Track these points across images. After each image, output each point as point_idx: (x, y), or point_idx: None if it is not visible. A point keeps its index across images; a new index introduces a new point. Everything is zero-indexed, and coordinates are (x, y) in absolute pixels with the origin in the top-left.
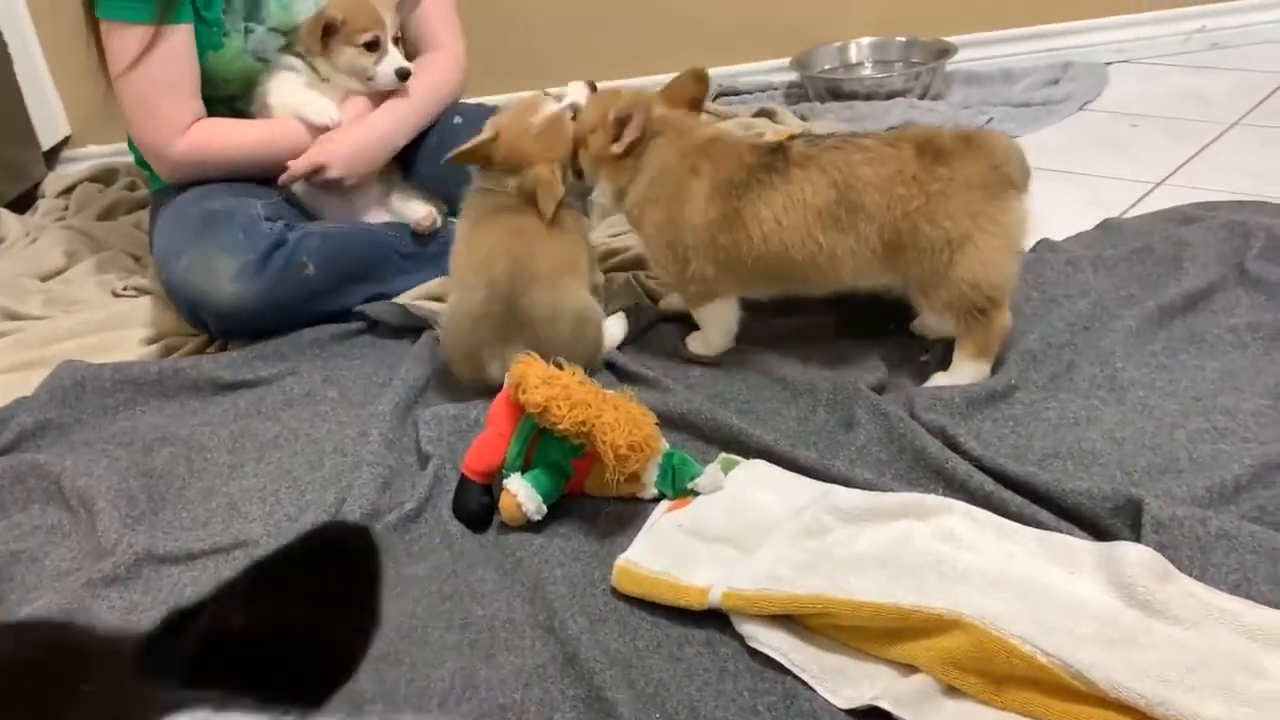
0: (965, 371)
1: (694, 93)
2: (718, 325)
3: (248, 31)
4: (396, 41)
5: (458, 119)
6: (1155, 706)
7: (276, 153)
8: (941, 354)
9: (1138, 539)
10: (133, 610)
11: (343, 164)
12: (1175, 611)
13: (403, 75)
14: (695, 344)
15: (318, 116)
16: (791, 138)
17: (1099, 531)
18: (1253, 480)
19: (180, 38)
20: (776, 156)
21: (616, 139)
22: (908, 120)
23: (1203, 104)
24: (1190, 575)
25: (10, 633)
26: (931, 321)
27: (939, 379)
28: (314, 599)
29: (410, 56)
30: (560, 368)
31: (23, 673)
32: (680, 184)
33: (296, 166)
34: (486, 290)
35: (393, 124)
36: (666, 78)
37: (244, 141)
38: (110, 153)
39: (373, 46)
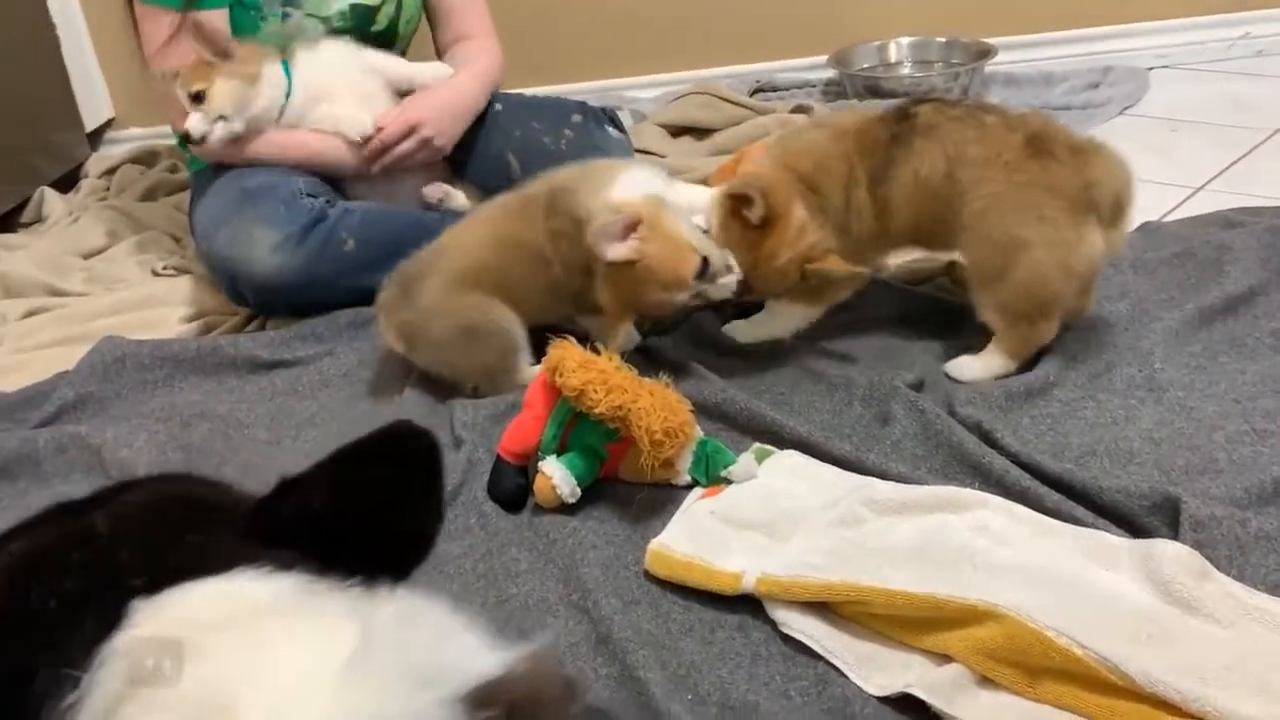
0: (991, 363)
1: None
2: (789, 321)
3: (284, 16)
4: (199, 99)
5: (498, 106)
6: (1191, 703)
7: (290, 159)
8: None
9: (1175, 537)
10: None
11: (435, 123)
12: (1212, 610)
13: (191, 139)
14: (744, 332)
15: (352, 131)
16: (918, 101)
17: (1136, 529)
18: None
19: (210, 22)
20: (905, 125)
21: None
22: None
23: (1245, 110)
24: (1228, 575)
25: (148, 484)
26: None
27: (963, 361)
28: (384, 487)
29: (444, 47)
30: (596, 352)
31: (142, 517)
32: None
33: (393, 129)
34: None
35: (473, 88)
36: (706, 73)
37: (273, 142)
38: (152, 135)
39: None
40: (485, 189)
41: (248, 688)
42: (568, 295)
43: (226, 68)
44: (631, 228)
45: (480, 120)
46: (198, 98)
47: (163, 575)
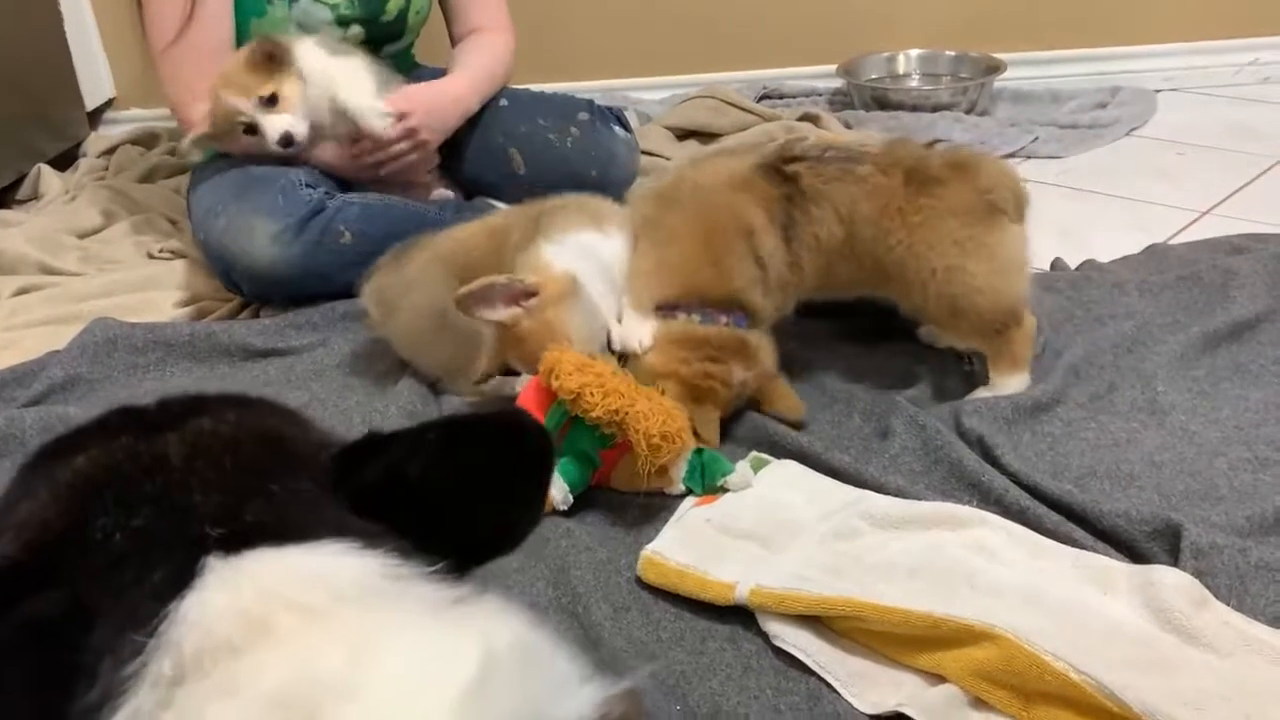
0: (1007, 384)
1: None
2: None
3: (291, 2)
4: (273, 101)
5: (504, 101)
6: None
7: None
8: (982, 363)
9: (1175, 564)
10: None
11: (423, 116)
12: (1211, 639)
13: (287, 141)
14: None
15: (377, 123)
16: (787, 159)
17: (1135, 554)
18: None
19: (215, 4)
20: (791, 187)
21: None
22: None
23: (1252, 136)
24: (1228, 604)
25: (223, 408)
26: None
27: (981, 394)
28: (492, 471)
29: (458, 38)
30: (592, 357)
31: (221, 453)
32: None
33: (393, 102)
34: None
35: (459, 87)
36: (712, 77)
37: None
38: (152, 116)
39: (251, 130)
40: (484, 184)
41: (338, 697)
42: None
43: (284, 66)
44: (522, 296)
45: (480, 114)
46: (271, 100)
47: (241, 530)
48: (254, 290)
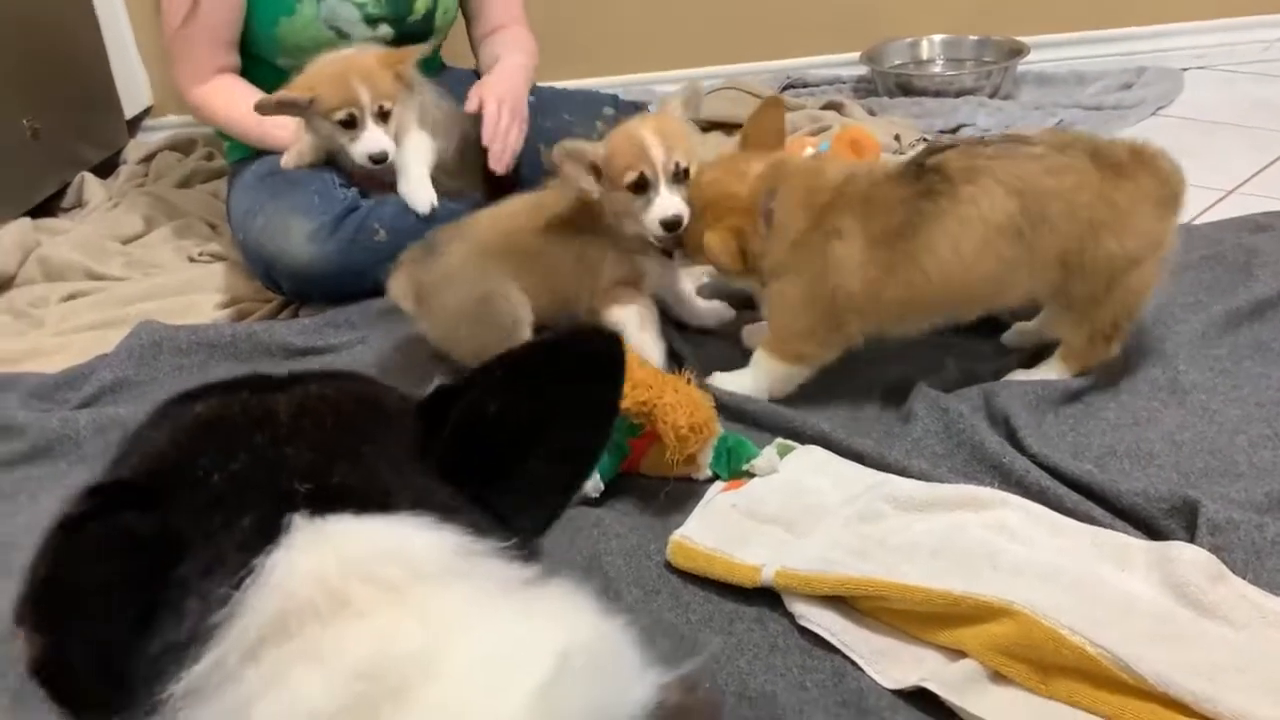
0: (1051, 371)
1: (775, 124)
2: (770, 379)
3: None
4: (385, 117)
5: (532, 98)
6: (1203, 703)
7: (267, 143)
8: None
9: (1192, 540)
10: None
11: (501, 91)
12: (1227, 613)
13: (377, 159)
14: (731, 382)
15: (418, 205)
16: (932, 150)
17: (1153, 531)
18: None
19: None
20: (932, 177)
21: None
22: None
23: (1275, 112)
24: (1244, 579)
25: (335, 378)
26: (1053, 335)
27: (1020, 375)
28: (561, 386)
29: (479, 38)
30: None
31: (322, 412)
32: (821, 253)
33: (495, 110)
34: None
35: (527, 71)
36: (736, 69)
37: (240, 119)
38: (189, 123)
39: (349, 124)
40: (516, 182)
41: (423, 676)
42: (587, 278)
43: (408, 91)
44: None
45: None
46: (384, 115)
47: (328, 488)
48: (293, 288)
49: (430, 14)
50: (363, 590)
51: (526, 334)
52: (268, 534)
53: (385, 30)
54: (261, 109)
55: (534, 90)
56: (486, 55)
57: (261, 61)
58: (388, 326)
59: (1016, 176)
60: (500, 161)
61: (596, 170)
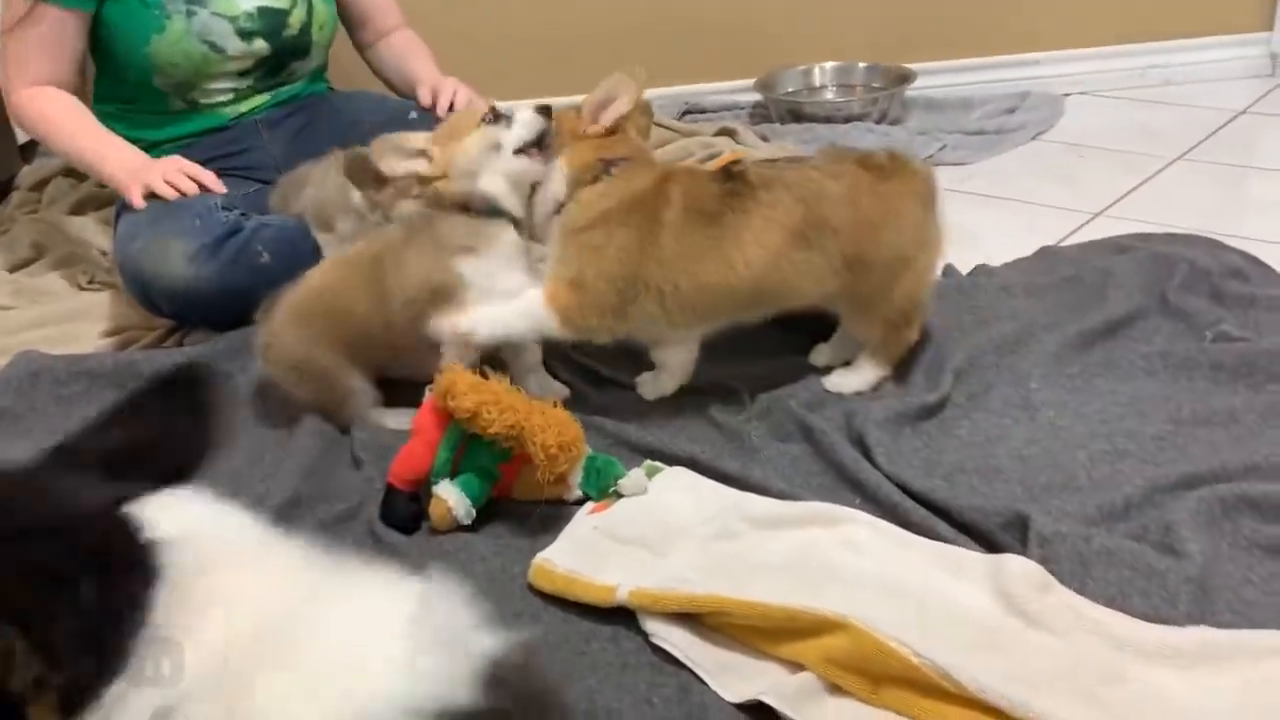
0: (869, 374)
1: (643, 126)
2: (679, 359)
3: (190, 14)
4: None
5: (413, 115)
6: (1018, 708)
7: (74, 160)
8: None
9: (1024, 553)
10: None
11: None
12: (1050, 621)
13: None
14: (647, 388)
15: None
16: (733, 163)
17: (992, 544)
18: (1142, 501)
19: (60, 17)
20: (738, 182)
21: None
22: (862, 143)
23: (1150, 138)
24: (1071, 588)
25: None
26: (853, 336)
27: (841, 377)
28: (163, 419)
29: (367, 44)
30: (485, 376)
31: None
32: (654, 211)
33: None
34: None
35: None
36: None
37: (55, 130)
38: None
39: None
40: None
41: (307, 630)
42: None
43: None
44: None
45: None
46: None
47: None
48: (173, 310)
49: (306, 28)
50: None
51: (357, 395)
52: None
53: (261, 45)
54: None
55: (423, 119)
56: (389, 59)
57: (142, 87)
58: None
59: (803, 185)
60: None
61: (424, 155)
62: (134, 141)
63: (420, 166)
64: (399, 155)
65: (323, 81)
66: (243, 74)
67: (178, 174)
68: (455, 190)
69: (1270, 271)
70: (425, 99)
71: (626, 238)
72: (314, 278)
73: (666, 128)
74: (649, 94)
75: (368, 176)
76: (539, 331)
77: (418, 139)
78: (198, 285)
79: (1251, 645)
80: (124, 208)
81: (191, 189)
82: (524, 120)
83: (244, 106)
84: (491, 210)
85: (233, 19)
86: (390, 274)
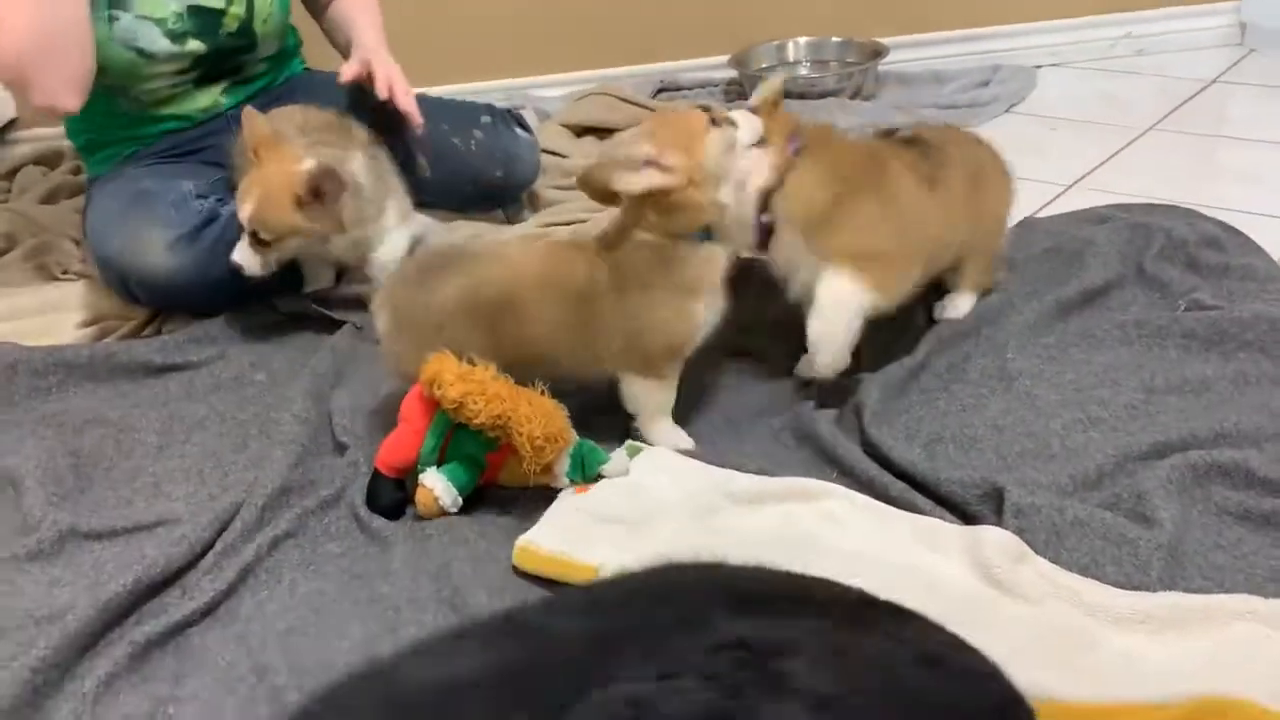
0: (967, 301)
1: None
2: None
3: (111, 19)
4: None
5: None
6: None
7: None
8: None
9: (1000, 523)
10: (56, 584)
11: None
12: (1025, 591)
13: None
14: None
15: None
16: (889, 131)
17: (968, 516)
18: (1115, 470)
19: None
20: (922, 144)
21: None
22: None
23: (1122, 108)
24: (1046, 557)
25: None
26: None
27: (954, 301)
28: None
29: (322, 6)
30: (472, 364)
31: None
32: (879, 171)
33: (346, 73)
34: None
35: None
36: (611, 73)
37: None
38: (57, 135)
39: None
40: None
41: None
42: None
43: None
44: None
45: (387, 123)
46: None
47: None
48: (152, 300)
49: (247, 26)
50: None
51: None
52: None
53: (196, 45)
54: None
55: None
56: (337, 23)
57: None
58: (248, 340)
59: (960, 151)
60: (416, 111)
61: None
62: (103, 146)
63: (660, 180)
64: (630, 170)
65: (297, 62)
66: (181, 72)
67: None
68: (702, 201)
69: (1245, 239)
70: (348, 73)
71: (876, 198)
72: (501, 263)
73: (643, 106)
74: (621, 71)
75: (605, 195)
76: (863, 319)
77: (638, 149)
78: (177, 275)
79: (1220, 609)
80: (93, 196)
81: None
82: (747, 121)
83: (202, 101)
84: (701, 232)
85: (159, 21)
86: (609, 314)
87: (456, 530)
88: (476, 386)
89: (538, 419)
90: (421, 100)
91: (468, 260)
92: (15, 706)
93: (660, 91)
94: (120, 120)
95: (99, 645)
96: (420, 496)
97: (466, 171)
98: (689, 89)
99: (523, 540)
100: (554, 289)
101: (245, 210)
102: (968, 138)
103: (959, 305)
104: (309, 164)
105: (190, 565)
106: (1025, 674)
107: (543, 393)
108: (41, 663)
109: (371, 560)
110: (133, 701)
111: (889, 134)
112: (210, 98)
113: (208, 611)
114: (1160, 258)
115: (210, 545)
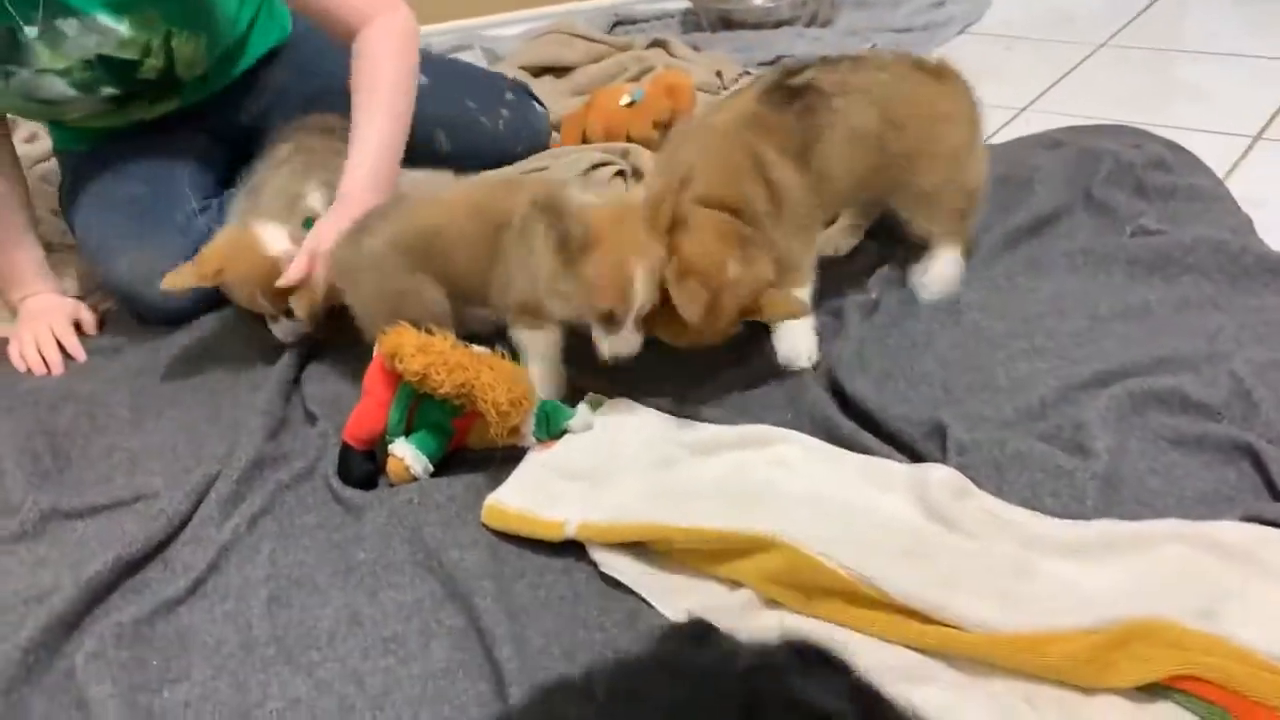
0: (950, 263)
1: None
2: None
3: (6, 75)
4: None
5: (425, 79)
6: (936, 610)
7: None
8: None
9: (944, 461)
10: (42, 564)
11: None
12: (968, 525)
13: None
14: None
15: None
16: (790, 74)
17: (915, 454)
18: (1057, 399)
19: None
20: (811, 95)
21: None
22: (793, 49)
23: (1075, 26)
24: (988, 491)
25: None
26: (922, 232)
27: (928, 279)
28: None
29: (341, 41)
30: (430, 333)
31: None
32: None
33: (292, 274)
34: None
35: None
36: (565, 8)
37: None
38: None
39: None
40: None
41: None
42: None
43: None
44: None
45: None
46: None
47: None
48: (158, 321)
49: (168, 72)
50: None
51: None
52: None
53: (110, 90)
54: None
55: (428, 68)
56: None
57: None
58: (216, 314)
59: (875, 89)
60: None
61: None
62: (78, 140)
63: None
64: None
65: (272, 28)
66: (110, 100)
67: (49, 341)
68: None
69: (1191, 159)
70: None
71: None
72: (428, 209)
73: (599, 41)
74: (575, 7)
75: None
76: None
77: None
78: (191, 301)
79: (1151, 534)
80: (79, 190)
81: (53, 361)
82: (620, 344)
83: (157, 110)
84: None
85: (63, 73)
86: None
87: (427, 494)
88: (438, 358)
89: (500, 384)
90: (441, 70)
91: (402, 205)
92: (10, 688)
93: (617, 24)
94: (72, 131)
95: (84, 623)
96: (391, 466)
97: (491, 149)
98: (644, 21)
99: (491, 499)
100: (478, 218)
101: (263, 306)
102: (900, 73)
103: (936, 276)
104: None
105: (169, 540)
106: (968, 605)
107: (504, 356)
108: (31, 643)
109: (347, 529)
110: (124, 680)
111: (782, 84)
112: (163, 106)
113: (193, 589)
114: (1108, 182)
115: (188, 519)
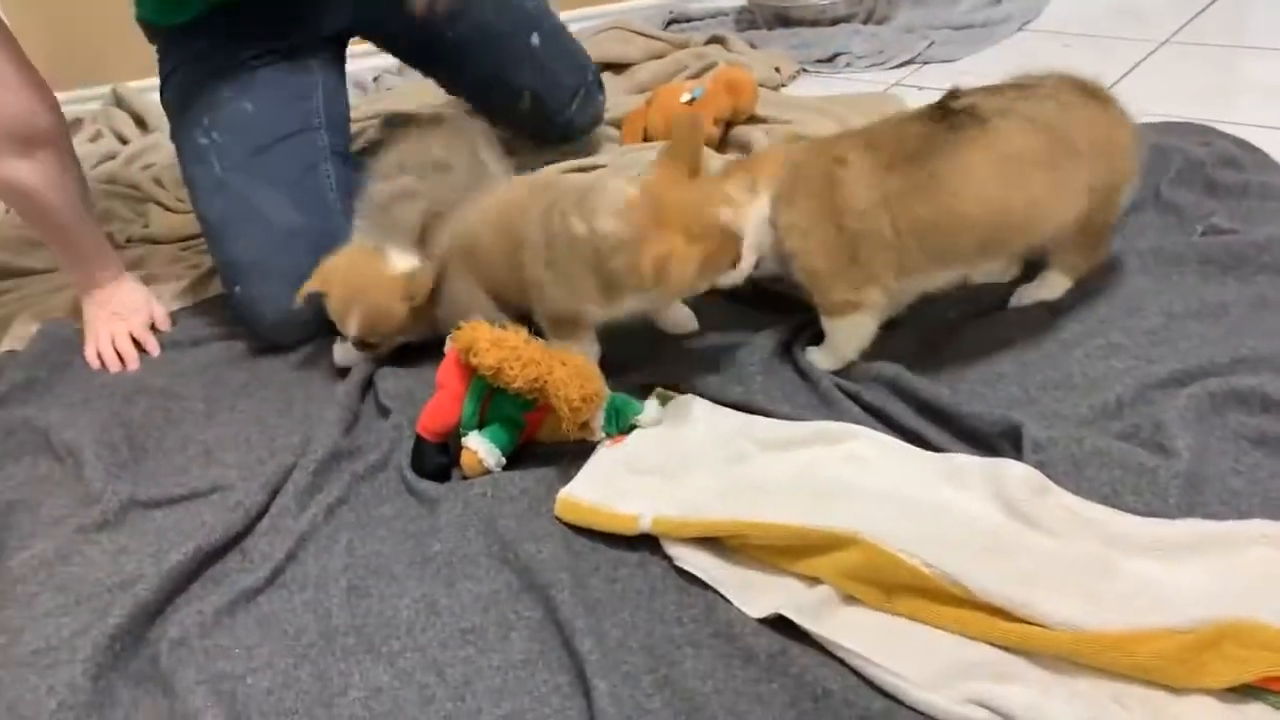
0: (1058, 284)
1: (695, 143)
2: (853, 337)
3: None
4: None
5: (536, 40)
6: (1019, 608)
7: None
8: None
9: (1020, 458)
10: (123, 552)
11: None
12: (1048, 523)
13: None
14: (819, 358)
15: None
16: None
17: (992, 451)
18: (1135, 398)
19: None
20: (961, 115)
21: None
22: (850, 46)
23: (1137, 22)
24: (1067, 489)
25: None
26: (1059, 261)
27: (1027, 290)
28: None
29: None
30: (504, 329)
31: None
32: (826, 176)
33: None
34: None
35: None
36: (620, 7)
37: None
38: (76, 98)
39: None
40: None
41: None
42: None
43: None
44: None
45: (514, 45)
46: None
47: None
48: (271, 340)
49: None
50: None
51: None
52: None
53: None
54: None
55: (539, 27)
56: None
57: None
58: None
59: (1038, 114)
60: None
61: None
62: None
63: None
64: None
65: None
66: None
67: (126, 342)
68: None
69: (1263, 157)
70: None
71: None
72: (479, 213)
73: (657, 39)
74: (629, 6)
75: None
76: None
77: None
78: (310, 324)
79: (1237, 534)
80: (199, 183)
81: (130, 357)
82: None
83: None
84: None
85: None
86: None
87: (500, 487)
88: (511, 352)
89: (573, 380)
90: (549, 32)
91: (470, 203)
92: (99, 673)
93: (671, 23)
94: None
95: (167, 612)
96: (465, 459)
97: (558, 125)
98: (700, 19)
99: (564, 493)
100: (503, 235)
101: (350, 328)
102: (1067, 101)
103: (1034, 294)
104: (405, 266)
105: (247, 530)
106: (1051, 603)
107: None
108: (119, 630)
109: (422, 520)
110: (209, 668)
111: (944, 104)
112: None
113: (272, 578)
114: (1177, 181)
115: (265, 510)
